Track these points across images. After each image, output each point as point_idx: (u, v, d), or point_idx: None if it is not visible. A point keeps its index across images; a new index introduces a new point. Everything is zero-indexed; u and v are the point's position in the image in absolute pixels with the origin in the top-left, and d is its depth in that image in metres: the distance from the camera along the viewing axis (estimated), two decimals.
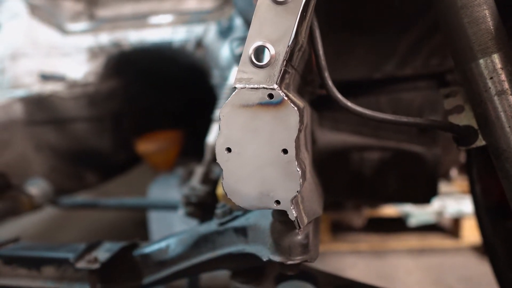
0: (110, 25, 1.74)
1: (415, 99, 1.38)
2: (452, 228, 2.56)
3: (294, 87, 0.79)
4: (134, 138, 2.12)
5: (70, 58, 1.74)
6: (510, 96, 0.65)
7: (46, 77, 1.73)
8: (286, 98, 0.56)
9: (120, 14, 1.80)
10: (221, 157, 0.59)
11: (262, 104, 0.56)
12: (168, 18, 1.70)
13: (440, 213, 2.46)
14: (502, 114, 0.66)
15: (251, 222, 0.80)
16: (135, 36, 1.69)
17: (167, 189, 1.94)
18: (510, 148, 0.65)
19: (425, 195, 1.44)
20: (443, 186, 2.56)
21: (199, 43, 1.65)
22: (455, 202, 2.44)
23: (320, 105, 1.37)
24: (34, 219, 2.61)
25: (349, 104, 0.70)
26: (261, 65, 0.55)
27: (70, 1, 1.85)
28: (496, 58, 0.65)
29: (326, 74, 0.70)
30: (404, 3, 1.04)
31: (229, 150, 0.58)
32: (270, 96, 0.56)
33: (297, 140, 0.57)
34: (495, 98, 0.66)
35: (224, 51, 1.58)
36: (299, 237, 0.67)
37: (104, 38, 1.72)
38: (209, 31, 1.63)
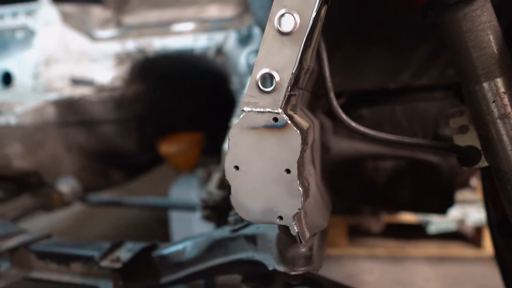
0: (135, 32, 1.83)
1: (431, 109, 1.38)
2: (474, 237, 2.52)
3: (304, 104, 0.83)
4: (157, 139, 2.21)
5: (98, 63, 1.84)
6: None
7: (76, 82, 1.83)
8: (289, 122, 0.60)
9: (146, 21, 1.88)
10: (230, 174, 0.64)
11: (267, 127, 0.61)
12: (190, 26, 1.76)
13: (461, 221, 2.43)
14: (504, 137, 0.67)
15: (260, 231, 0.84)
16: (159, 43, 1.77)
17: (188, 190, 2.02)
18: (511, 170, 0.67)
19: (441, 205, 1.44)
20: (465, 194, 2.52)
21: (219, 50, 1.70)
22: (477, 210, 2.40)
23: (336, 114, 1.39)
24: (64, 213, 2.76)
25: (353, 124, 0.73)
26: (267, 91, 0.60)
27: (99, 8, 1.95)
28: (499, 82, 0.67)
29: (332, 95, 0.74)
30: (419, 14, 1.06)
31: (237, 168, 0.63)
32: (275, 119, 0.60)
33: (300, 160, 0.61)
34: (498, 121, 0.67)
35: (243, 58, 1.63)
36: (303, 249, 0.71)
37: (130, 44, 1.80)
38: (229, 39, 1.68)
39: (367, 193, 1.47)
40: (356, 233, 2.65)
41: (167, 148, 2.03)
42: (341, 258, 2.49)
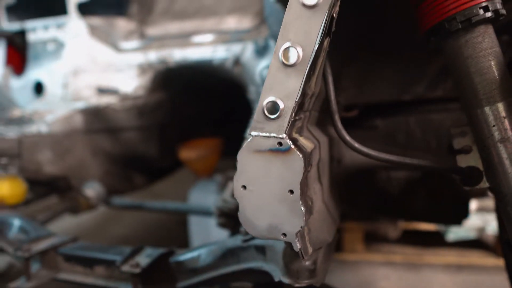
0: (157, 43, 1.91)
1: (445, 120, 1.38)
2: (494, 246, 2.47)
3: (312, 122, 0.87)
4: (177, 144, 2.29)
5: (122, 73, 1.93)
6: None
7: (102, 91, 1.93)
8: (293, 146, 0.64)
9: (167, 32, 1.96)
10: (238, 193, 0.69)
11: (273, 150, 0.65)
12: (209, 37, 1.82)
13: (481, 230, 2.39)
14: (505, 161, 0.69)
15: (269, 243, 0.89)
16: (179, 54, 1.84)
17: (206, 194, 2.09)
18: (511, 193, 0.69)
19: (455, 216, 1.44)
20: (485, 202, 2.48)
21: (237, 61, 1.75)
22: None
23: (349, 125, 1.42)
24: (89, 213, 2.89)
25: (356, 145, 0.77)
26: (272, 118, 0.64)
27: (123, 20, 2.05)
28: (500, 107, 0.69)
29: (337, 117, 0.77)
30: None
31: (244, 187, 0.68)
32: (280, 144, 0.65)
33: (303, 182, 0.65)
34: (498, 144, 0.69)
35: (260, 69, 1.67)
36: (307, 263, 0.75)
37: (152, 55, 1.88)
38: (246, 50, 1.73)
39: (381, 203, 1.48)
40: (373, 239, 2.65)
41: (187, 154, 2.10)
42: (357, 264, 2.50)
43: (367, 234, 2.62)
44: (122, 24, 2.02)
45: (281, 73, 0.63)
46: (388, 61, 1.24)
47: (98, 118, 1.93)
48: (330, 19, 0.62)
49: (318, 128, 0.93)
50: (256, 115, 0.66)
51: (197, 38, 1.84)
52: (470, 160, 0.77)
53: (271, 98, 0.64)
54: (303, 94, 0.65)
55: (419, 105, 1.40)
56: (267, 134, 0.65)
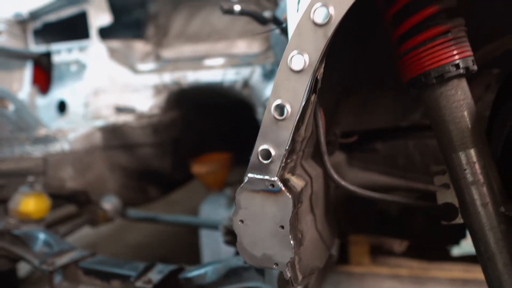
0: (172, 66, 2.03)
1: None
2: None
3: (306, 158, 0.96)
4: (190, 158, 2.41)
5: (139, 93, 2.06)
6: (482, 187, 0.76)
7: (120, 110, 2.06)
8: (283, 188, 0.73)
9: (181, 54, 2.08)
10: (236, 226, 0.78)
11: (266, 191, 0.75)
12: (220, 61, 1.93)
13: None
14: (475, 201, 0.76)
15: None
16: (192, 77, 1.96)
17: (217, 208, 2.19)
18: (481, 230, 0.76)
19: (452, 236, 1.50)
20: None
21: (246, 84, 1.86)
22: None
23: (351, 147, 1.51)
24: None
25: (342, 183, 0.85)
26: (265, 163, 0.74)
27: (141, 43, 2.18)
28: (472, 152, 0.77)
29: (326, 158, 0.86)
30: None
31: (242, 221, 0.78)
32: (272, 185, 0.74)
33: (292, 218, 0.75)
34: (470, 186, 0.77)
35: (267, 91, 1.77)
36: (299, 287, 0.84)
37: (167, 77, 2.00)
38: (255, 73, 1.83)
39: (380, 224, 1.55)
40: (379, 252, 2.70)
41: (198, 168, 2.21)
42: (363, 276, 2.56)
43: (373, 247, 2.67)
44: (139, 46, 2.15)
45: (273, 125, 0.73)
46: (384, 92, 1.31)
47: (116, 135, 2.06)
48: (315, 80, 0.71)
49: (313, 160, 1.02)
50: (252, 159, 0.75)
51: (208, 62, 1.96)
52: (448, 196, 0.85)
53: (264, 146, 0.73)
54: (293, 142, 0.74)
55: (416, 130, 1.47)
56: (261, 177, 0.74)
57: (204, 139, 2.47)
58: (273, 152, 0.73)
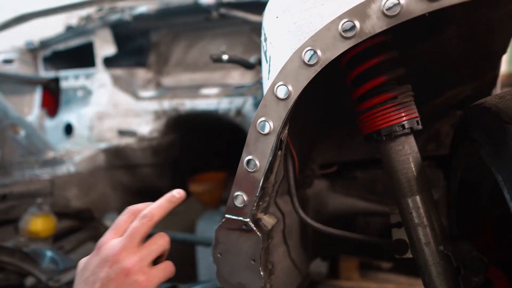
0: (171, 93, 2.18)
1: None
2: None
3: (281, 195, 1.10)
4: (188, 176, 2.55)
5: (140, 118, 2.21)
6: (425, 228, 0.89)
7: (122, 133, 2.22)
8: (254, 228, 0.87)
9: (180, 83, 2.23)
10: (215, 258, 0.92)
11: (240, 229, 0.88)
12: (215, 90, 2.08)
13: None
14: (420, 241, 0.89)
15: None
16: (189, 104, 2.11)
17: (212, 225, 2.33)
18: (425, 265, 0.89)
19: None
20: None
21: (239, 112, 2.00)
22: None
23: (334, 174, 1.64)
24: None
25: (308, 220, 0.99)
26: (239, 207, 0.87)
27: (143, 71, 2.34)
28: (417, 198, 0.90)
29: (295, 199, 0.99)
30: None
31: (220, 254, 0.91)
32: (245, 225, 0.88)
33: (262, 253, 0.88)
34: (416, 227, 0.90)
35: None
36: None
37: (166, 104, 2.15)
38: (247, 103, 1.98)
39: (360, 247, 1.68)
40: (368, 268, 2.81)
41: (195, 187, 2.36)
42: None
43: (362, 262, 2.79)
44: (141, 74, 2.31)
45: (246, 176, 0.86)
46: (358, 130, 1.44)
47: (118, 156, 2.21)
48: (280, 140, 0.85)
49: (288, 195, 1.15)
50: (229, 202, 0.89)
51: (205, 91, 2.11)
52: (401, 233, 0.97)
53: (238, 193, 0.87)
54: (263, 189, 0.88)
55: None
56: (236, 217, 0.88)
57: (201, 159, 2.61)
58: (245, 198, 0.87)
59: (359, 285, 2.72)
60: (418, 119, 0.90)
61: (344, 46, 0.74)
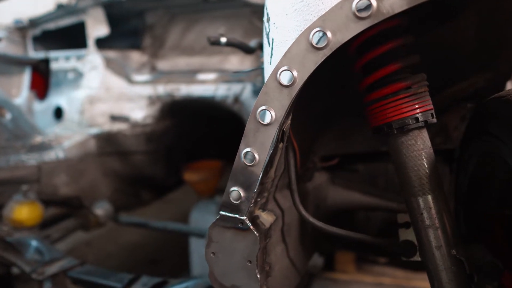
0: (166, 78, 2.08)
1: None
2: None
3: (281, 189, 1.02)
4: (182, 164, 2.47)
5: (133, 103, 2.12)
6: (436, 230, 0.82)
7: (114, 118, 2.12)
8: (251, 227, 0.80)
9: (175, 67, 2.13)
10: (208, 258, 0.85)
11: (236, 228, 0.81)
12: (212, 76, 1.99)
13: None
14: (431, 243, 0.83)
15: None
16: (185, 90, 2.01)
17: (207, 215, 2.26)
18: (435, 269, 0.83)
19: None
20: None
21: (237, 99, 1.91)
22: None
23: (335, 167, 1.56)
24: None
25: (310, 219, 0.91)
26: (235, 203, 0.80)
27: (137, 53, 2.23)
28: (429, 198, 0.83)
29: (296, 195, 0.92)
30: None
31: (213, 253, 0.84)
32: (241, 223, 0.80)
33: (259, 254, 0.81)
34: (426, 229, 0.83)
35: None
36: None
37: (161, 89, 2.06)
38: (245, 90, 1.89)
39: (358, 243, 1.62)
40: (364, 261, 2.77)
41: (190, 176, 2.28)
42: (348, 283, 2.63)
43: (358, 256, 2.74)
44: (135, 56, 2.21)
45: (243, 169, 0.78)
46: (364, 121, 1.37)
47: (110, 142, 2.12)
48: (282, 132, 0.77)
49: (287, 190, 1.08)
50: (224, 198, 0.81)
51: (201, 76, 2.01)
52: (409, 234, 0.91)
53: (235, 188, 0.79)
54: (262, 184, 0.80)
55: None
56: (231, 215, 0.81)
57: (197, 146, 2.53)
58: (242, 194, 0.79)
59: (354, 278, 2.68)
60: (433, 111, 0.83)
61: (358, 27, 0.66)
